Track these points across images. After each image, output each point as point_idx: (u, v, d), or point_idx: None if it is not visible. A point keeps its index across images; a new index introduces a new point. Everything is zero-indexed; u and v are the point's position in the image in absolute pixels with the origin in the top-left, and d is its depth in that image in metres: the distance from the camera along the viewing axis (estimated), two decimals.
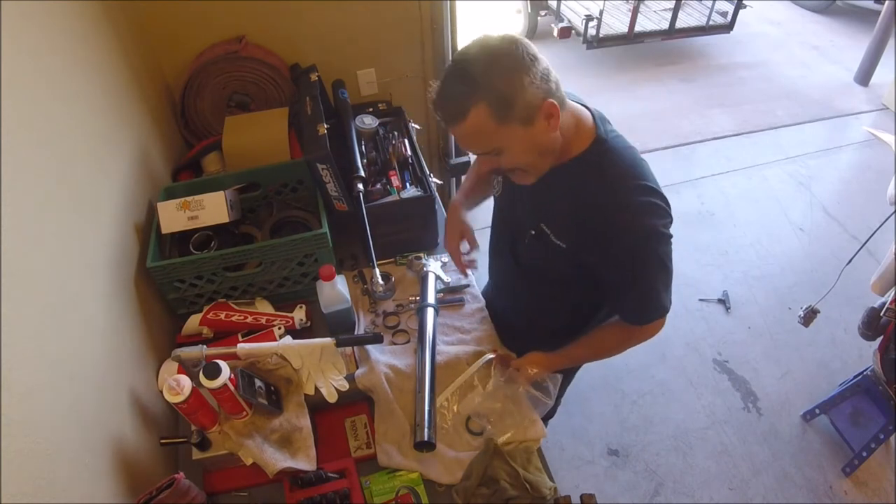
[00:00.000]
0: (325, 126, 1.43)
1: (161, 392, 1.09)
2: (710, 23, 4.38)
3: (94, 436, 0.97)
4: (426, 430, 1.11)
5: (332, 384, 1.21)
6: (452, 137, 2.47)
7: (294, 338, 1.27)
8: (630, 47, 4.43)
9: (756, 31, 5.13)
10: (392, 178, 1.57)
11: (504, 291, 1.43)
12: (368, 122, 1.69)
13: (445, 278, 1.43)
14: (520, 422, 1.17)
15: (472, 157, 1.55)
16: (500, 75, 0.86)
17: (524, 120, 0.89)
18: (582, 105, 1.03)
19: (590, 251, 1.03)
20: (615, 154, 0.99)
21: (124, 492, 1.01)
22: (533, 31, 4.81)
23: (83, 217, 1.12)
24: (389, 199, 1.51)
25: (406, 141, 1.70)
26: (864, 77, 4.30)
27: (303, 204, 1.58)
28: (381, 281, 1.41)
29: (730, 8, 4.41)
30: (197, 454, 1.12)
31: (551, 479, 1.10)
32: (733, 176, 3.42)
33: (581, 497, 1.07)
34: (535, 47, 0.89)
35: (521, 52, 0.86)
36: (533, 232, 1.11)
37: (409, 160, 1.65)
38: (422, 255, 1.52)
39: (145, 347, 1.26)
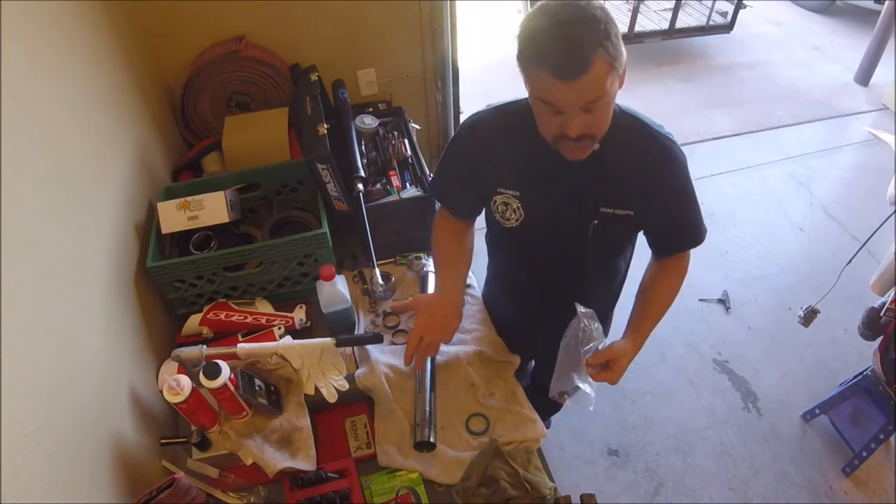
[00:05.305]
0: (325, 126, 1.43)
1: (161, 392, 1.09)
2: (710, 23, 4.38)
3: (94, 436, 0.97)
4: (426, 430, 1.11)
5: (332, 384, 1.21)
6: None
7: (294, 338, 1.27)
8: (630, 47, 4.37)
9: (756, 31, 5.13)
10: (392, 178, 1.57)
11: (534, 289, 1.36)
12: (368, 122, 1.69)
13: None
14: (520, 420, 1.17)
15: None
16: (613, 24, 0.85)
17: (619, 75, 0.89)
18: None
19: (653, 200, 1.07)
20: (628, 111, 1.07)
21: (124, 492, 1.01)
22: None
23: (83, 217, 1.12)
24: (389, 199, 1.51)
25: (406, 141, 1.70)
26: (864, 77, 4.30)
27: (303, 204, 1.58)
28: (381, 281, 1.41)
29: (730, 8, 4.41)
30: (197, 454, 1.12)
31: (551, 479, 1.10)
32: (733, 176, 3.42)
33: (581, 497, 1.07)
34: None
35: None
36: (596, 221, 1.10)
37: (409, 160, 1.65)
38: (422, 255, 1.52)
39: (145, 347, 1.26)
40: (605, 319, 1.40)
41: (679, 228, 1.16)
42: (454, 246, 1.27)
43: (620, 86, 0.92)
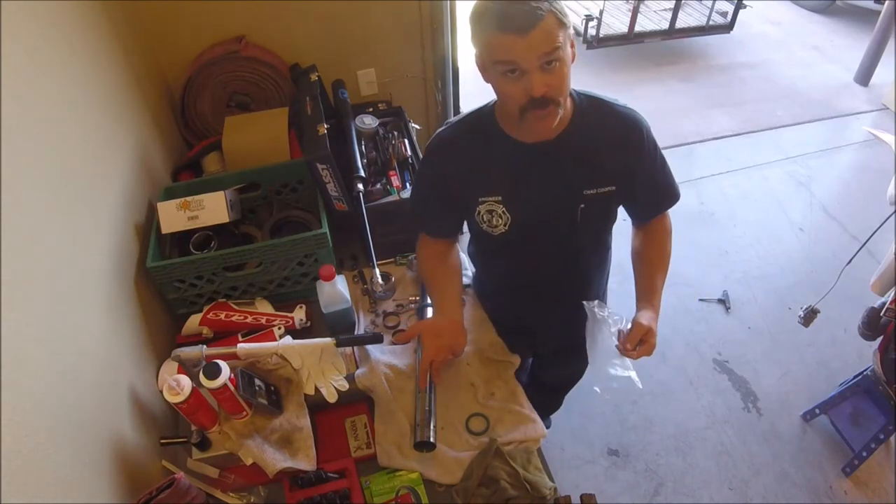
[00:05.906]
0: (325, 126, 1.43)
1: (161, 392, 1.09)
2: (710, 23, 4.37)
3: (94, 436, 0.97)
4: (426, 429, 1.11)
5: (332, 384, 1.21)
6: None
7: (294, 338, 1.27)
8: (630, 47, 4.42)
9: (756, 31, 5.12)
10: (392, 178, 1.57)
11: (530, 289, 1.35)
12: (368, 122, 1.69)
13: None
14: (520, 420, 1.17)
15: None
16: None
17: (570, 37, 0.94)
18: None
19: (631, 170, 1.10)
20: (585, 93, 1.10)
21: (124, 492, 1.01)
22: None
23: (83, 217, 1.12)
24: (389, 199, 1.51)
25: (406, 141, 1.70)
26: (864, 77, 4.30)
27: (303, 204, 1.58)
28: (381, 281, 1.41)
29: (730, 8, 4.41)
30: (197, 454, 1.12)
31: (551, 479, 1.10)
32: (733, 176, 3.42)
33: (581, 497, 1.07)
34: None
35: None
36: (583, 205, 1.12)
37: (409, 160, 1.65)
38: None
39: (145, 347, 1.26)
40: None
41: (659, 190, 1.20)
42: (442, 267, 1.26)
43: (573, 58, 0.96)
